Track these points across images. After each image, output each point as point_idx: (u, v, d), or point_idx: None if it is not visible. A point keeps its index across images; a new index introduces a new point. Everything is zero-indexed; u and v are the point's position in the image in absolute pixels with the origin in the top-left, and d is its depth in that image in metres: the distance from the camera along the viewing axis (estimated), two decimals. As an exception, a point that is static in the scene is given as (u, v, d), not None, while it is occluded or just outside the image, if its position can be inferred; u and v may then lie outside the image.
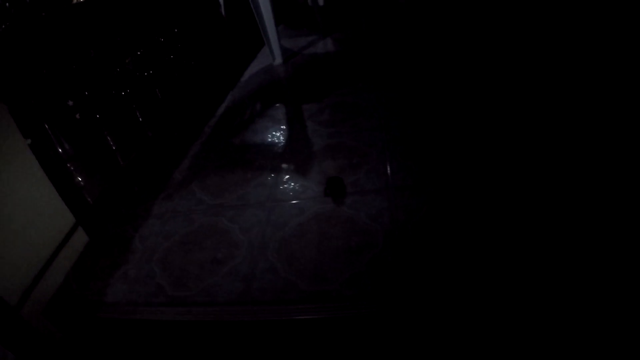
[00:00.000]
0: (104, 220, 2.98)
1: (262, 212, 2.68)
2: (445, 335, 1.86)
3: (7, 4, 2.75)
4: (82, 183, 3.18)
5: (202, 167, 3.26)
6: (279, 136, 3.44)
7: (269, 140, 3.41)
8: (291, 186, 2.85)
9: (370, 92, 3.77)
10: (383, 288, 2.05)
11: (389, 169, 2.82)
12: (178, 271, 2.42)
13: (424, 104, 3.43)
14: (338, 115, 3.54)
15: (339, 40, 5.08)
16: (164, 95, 4.11)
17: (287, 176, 2.96)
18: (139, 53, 4.07)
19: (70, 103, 3.23)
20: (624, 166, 2.40)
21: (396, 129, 3.21)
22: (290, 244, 2.40)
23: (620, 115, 2.86)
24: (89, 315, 2.37)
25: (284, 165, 3.06)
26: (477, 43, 4.15)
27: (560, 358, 1.64)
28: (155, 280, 2.40)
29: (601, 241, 1.99)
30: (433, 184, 2.59)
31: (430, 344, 1.88)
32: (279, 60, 4.68)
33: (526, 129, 2.87)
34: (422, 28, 4.79)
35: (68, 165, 3.13)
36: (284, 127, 3.55)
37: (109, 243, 2.76)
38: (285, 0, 6.02)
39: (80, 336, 2.46)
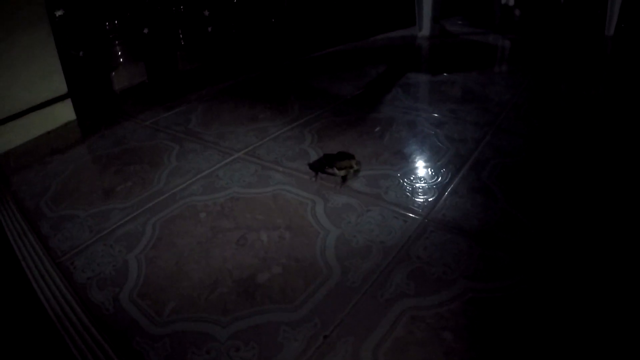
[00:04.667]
0: (105, 108, 2.16)
1: (219, 161, 1.54)
2: None
3: None
4: (120, 63, 2.43)
5: (238, 88, 2.23)
6: (350, 92, 2.18)
7: (331, 90, 2.18)
8: (289, 146, 1.63)
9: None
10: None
11: (440, 200, 1.39)
12: (74, 185, 1.48)
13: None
14: (436, 95, 2.12)
15: (509, 39, 3.42)
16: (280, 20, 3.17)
17: (296, 133, 1.72)
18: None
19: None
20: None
21: (491, 152, 1.70)
22: (179, 233, 1.22)
23: None
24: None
25: (308, 123, 1.83)
26: None
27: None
28: (52, 183, 1.50)
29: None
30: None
31: None
32: (425, 31, 3.32)
33: None
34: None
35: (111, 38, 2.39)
36: (363, 87, 2.27)
37: (81, 131, 1.94)
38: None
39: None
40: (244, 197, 1.34)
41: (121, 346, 0.90)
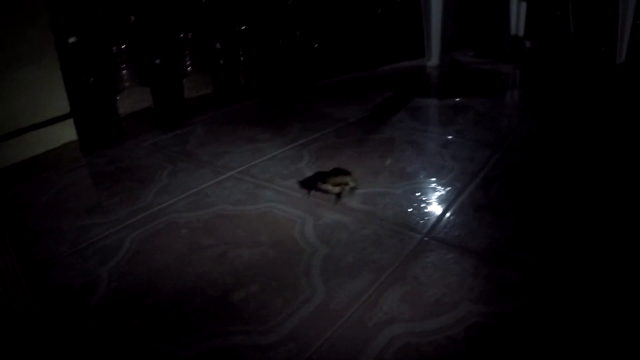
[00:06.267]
0: (108, 130, 2.14)
1: (210, 179, 1.47)
2: None
3: None
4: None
5: (247, 113, 2.20)
6: (354, 116, 2.10)
7: (334, 114, 2.11)
8: (285, 165, 1.54)
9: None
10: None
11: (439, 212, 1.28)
12: (61, 200, 1.41)
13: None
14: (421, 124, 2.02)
15: (520, 68, 3.32)
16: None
17: (294, 153, 1.64)
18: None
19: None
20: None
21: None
22: (157, 248, 1.13)
23: None
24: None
25: (307, 144, 1.75)
26: None
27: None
28: (41, 198, 1.44)
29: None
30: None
31: None
32: (434, 61, 3.27)
33: None
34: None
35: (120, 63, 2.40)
36: (368, 111, 2.19)
37: (80, 151, 1.91)
38: (478, 28, 4.51)
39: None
40: (229, 214, 1.24)
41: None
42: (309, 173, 1.48)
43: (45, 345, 0.92)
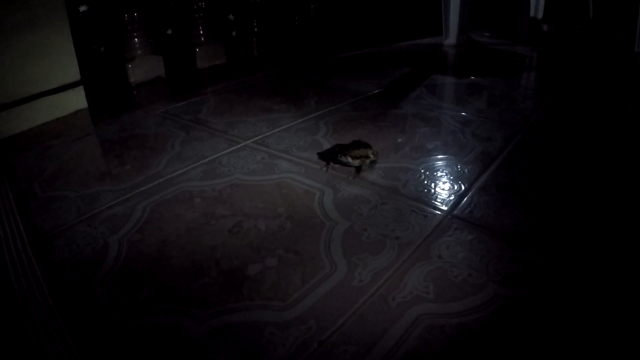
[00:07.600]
0: (118, 98, 2.07)
1: (224, 148, 1.40)
2: None
3: None
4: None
5: (262, 84, 2.11)
6: (370, 90, 2.01)
7: (351, 88, 2.02)
8: (301, 136, 1.47)
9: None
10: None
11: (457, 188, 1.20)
12: (70, 167, 1.34)
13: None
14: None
15: (537, 50, 3.19)
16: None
17: (310, 125, 1.57)
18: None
19: None
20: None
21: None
22: (169, 217, 1.07)
23: None
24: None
25: (323, 116, 1.67)
26: None
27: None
28: (50, 165, 1.38)
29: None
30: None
31: None
32: (452, 39, 3.15)
33: None
34: None
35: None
36: (385, 86, 2.10)
37: (90, 118, 1.84)
38: (495, 9, 4.33)
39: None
40: (245, 184, 1.18)
41: (82, 335, 0.74)
42: (325, 145, 1.41)
43: (52, 316, 0.88)
